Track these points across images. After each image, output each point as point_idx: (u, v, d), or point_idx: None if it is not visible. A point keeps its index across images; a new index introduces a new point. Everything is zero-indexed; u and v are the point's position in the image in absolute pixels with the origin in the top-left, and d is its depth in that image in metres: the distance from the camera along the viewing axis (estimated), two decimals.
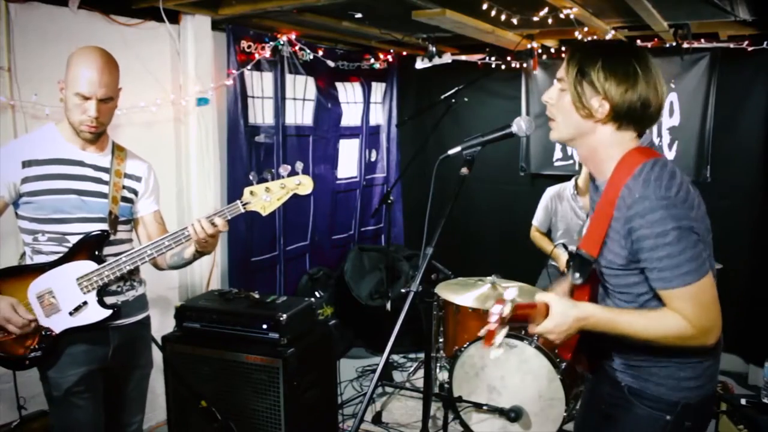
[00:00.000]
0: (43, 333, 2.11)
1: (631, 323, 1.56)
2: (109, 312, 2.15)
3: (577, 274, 1.65)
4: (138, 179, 2.34)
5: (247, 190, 2.18)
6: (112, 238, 2.22)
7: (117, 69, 2.17)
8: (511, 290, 1.53)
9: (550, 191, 3.99)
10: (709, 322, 1.51)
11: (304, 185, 2.20)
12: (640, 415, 1.64)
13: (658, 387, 1.62)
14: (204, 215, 2.16)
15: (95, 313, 2.14)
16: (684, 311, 1.50)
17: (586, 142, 1.63)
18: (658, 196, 1.48)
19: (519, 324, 1.59)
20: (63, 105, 2.15)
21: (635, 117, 1.57)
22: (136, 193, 2.33)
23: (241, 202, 2.18)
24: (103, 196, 2.22)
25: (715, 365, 1.66)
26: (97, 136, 2.20)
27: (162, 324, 3.25)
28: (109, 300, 2.20)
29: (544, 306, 1.58)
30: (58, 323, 2.12)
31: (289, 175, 2.18)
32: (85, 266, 2.13)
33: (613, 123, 1.58)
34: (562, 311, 1.57)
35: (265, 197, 2.18)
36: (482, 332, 1.51)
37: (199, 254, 2.26)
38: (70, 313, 2.12)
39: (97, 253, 2.15)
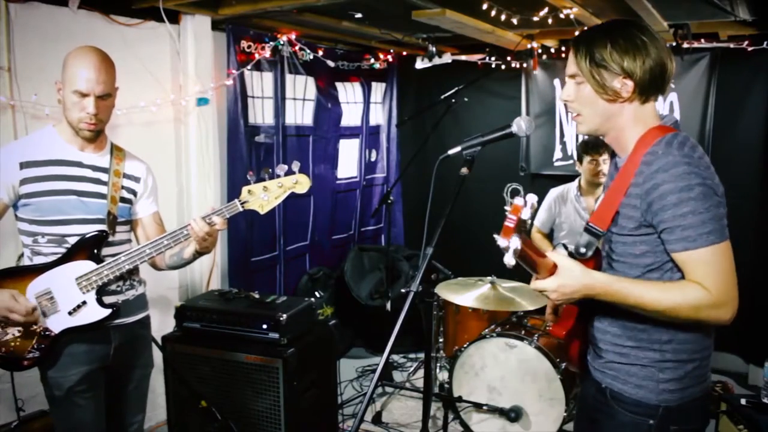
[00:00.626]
0: (42, 333, 2.11)
1: (645, 291, 1.50)
2: (108, 311, 2.15)
3: (584, 249, 1.63)
4: (137, 180, 2.34)
5: (245, 189, 2.20)
6: (111, 239, 2.21)
7: (113, 67, 2.17)
8: (532, 195, 1.47)
9: (553, 193, 3.99)
10: (727, 292, 1.46)
11: (301, 183, 2.22)
12: (623, 422, 1.63)
13: (638, 389, 1.60)
14: (202, 214, 2.16)
15: (94, 313, 2.14)
16: (704, 277, 1.45)
17: (616, 125, 1.63)
18: (681, 154, 1.48)
19: (524, 264, 1.53)
20: (61, 105, 2.15)
21: (657, 84, 1.57)
22: (134, 193, 2.34)
23: (239, 200, 2.19)
24: (102, 196, 2.22)
25: (701, 369, 1.61)
26: (96, 135, 2.20)
27: (162, 324, 3.24)
28: (108, 299, 2.20)
29: (552, 264, 1.54)
30: (57, 323, 2.11)
31: (286, 174, 2.20)
32: (84, 266, 2.13)
33: (639, 98, 1.58)
34: (571, 272, 1.53)
35: (263, 196, 2.19)
36: (500, 237, 1.47)
37: (198, 254, 2.26)
38: (69, 313, 2.12)
39: (96, 252, 2.15)
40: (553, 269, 1.54)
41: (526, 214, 1.43)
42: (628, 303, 1.52)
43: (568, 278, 1.53)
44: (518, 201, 1.43)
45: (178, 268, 2.39)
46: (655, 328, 1.57)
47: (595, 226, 1.62)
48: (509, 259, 1.43)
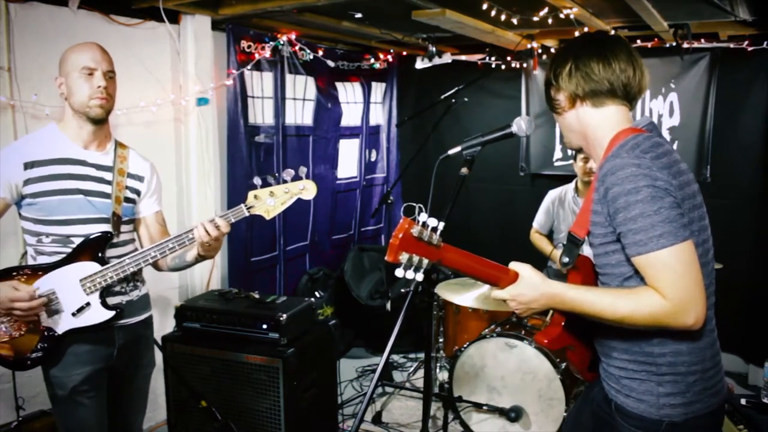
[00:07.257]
0: (46, 333, 2.11)
1: (599, 299, 1.47)
2: (112, 313, 2.15)
3: (567, 259, 1.62)
4: (141, 179, 2.33)
5: (251, 194, 2.19)
6: (115, 240, 2.21)
7: (111, 58, 2.23)
8: (424, 215, 1.46)
9: (552, 195, 3.99)
10: (686, 295, 1.37)
11: (308, 190, 2.22)
12: None
13: (639, 404, 1.54)
14: (208, 218, 2.15)
15: (98, 315, 2.13)
16: (659, 281, 1.39)
17: (581, 135, 1.65)
18: (631, 155, 1.45)
19: (485, 282, 1.58)
20: (64, 100, 2.15)
21: (596, 91, 1.57)
22: (138, 193, 2.33)
23: (246, 205, 2.19)
24: (107, 196, 2.21)
25: (705, 381, 1.52)
26: (105, 117, 2.18)
27: (162, 324, 3.25)
28: (112, 300, 2.20)
29: (515, 274, 1.56)
30: (60, 324, 2.11)
31: (293, 180, 2.20)
32: (88, 267, 2.13)
33: (580, 102, 1.60)
34: (530, 281, 1.54)
35: (270, 201, 2.19)
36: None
37: (201, 258, 2.25)
38: (73, 314, 2.11)
39: (100, 254, 2.15)
40: (515, 278, 1.56)
41: (418, 231, 1.44)
42: (587, 311, 1.49)
43: (525, 287, 1.54)
44: (403, 220, 1.45)
45: (179, 270, 2.38)
46: (646, 341, 1.52)
47: (575, 233, 1.61)
48: (399, 273, 1.47)
